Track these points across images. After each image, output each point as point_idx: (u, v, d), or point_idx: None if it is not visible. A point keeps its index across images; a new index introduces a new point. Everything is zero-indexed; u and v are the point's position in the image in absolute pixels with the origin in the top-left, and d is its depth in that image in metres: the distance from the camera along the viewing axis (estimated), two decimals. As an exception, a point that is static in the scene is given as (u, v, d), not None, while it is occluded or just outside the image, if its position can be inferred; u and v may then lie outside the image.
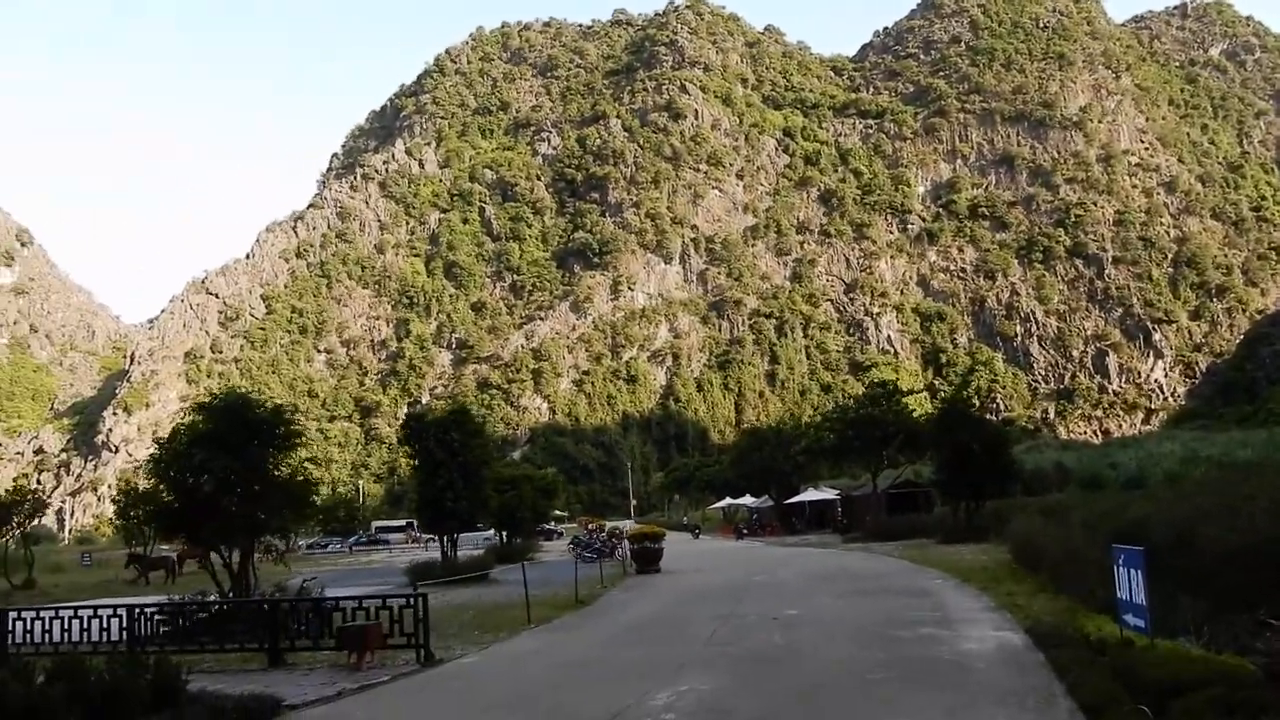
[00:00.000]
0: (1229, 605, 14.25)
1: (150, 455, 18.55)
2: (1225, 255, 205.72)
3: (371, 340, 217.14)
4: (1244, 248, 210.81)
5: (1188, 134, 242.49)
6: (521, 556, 42.88)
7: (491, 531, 50.14)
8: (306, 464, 19.95)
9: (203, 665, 14.26)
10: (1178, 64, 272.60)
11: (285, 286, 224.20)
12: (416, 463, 32.12)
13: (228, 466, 17.23)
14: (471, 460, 31.94)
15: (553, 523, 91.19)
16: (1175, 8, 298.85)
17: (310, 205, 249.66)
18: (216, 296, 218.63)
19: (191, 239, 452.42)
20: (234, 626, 14.55)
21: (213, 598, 17.39)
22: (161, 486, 18.04)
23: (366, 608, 14.25)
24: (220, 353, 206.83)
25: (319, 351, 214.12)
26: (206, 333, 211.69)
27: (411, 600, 14.01)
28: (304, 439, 19.25)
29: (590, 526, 69.08)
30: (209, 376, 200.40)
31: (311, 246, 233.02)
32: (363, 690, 12.26)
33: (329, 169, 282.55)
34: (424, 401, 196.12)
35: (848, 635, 14.70)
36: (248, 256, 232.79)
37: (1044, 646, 12.44)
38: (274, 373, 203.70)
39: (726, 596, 21.86)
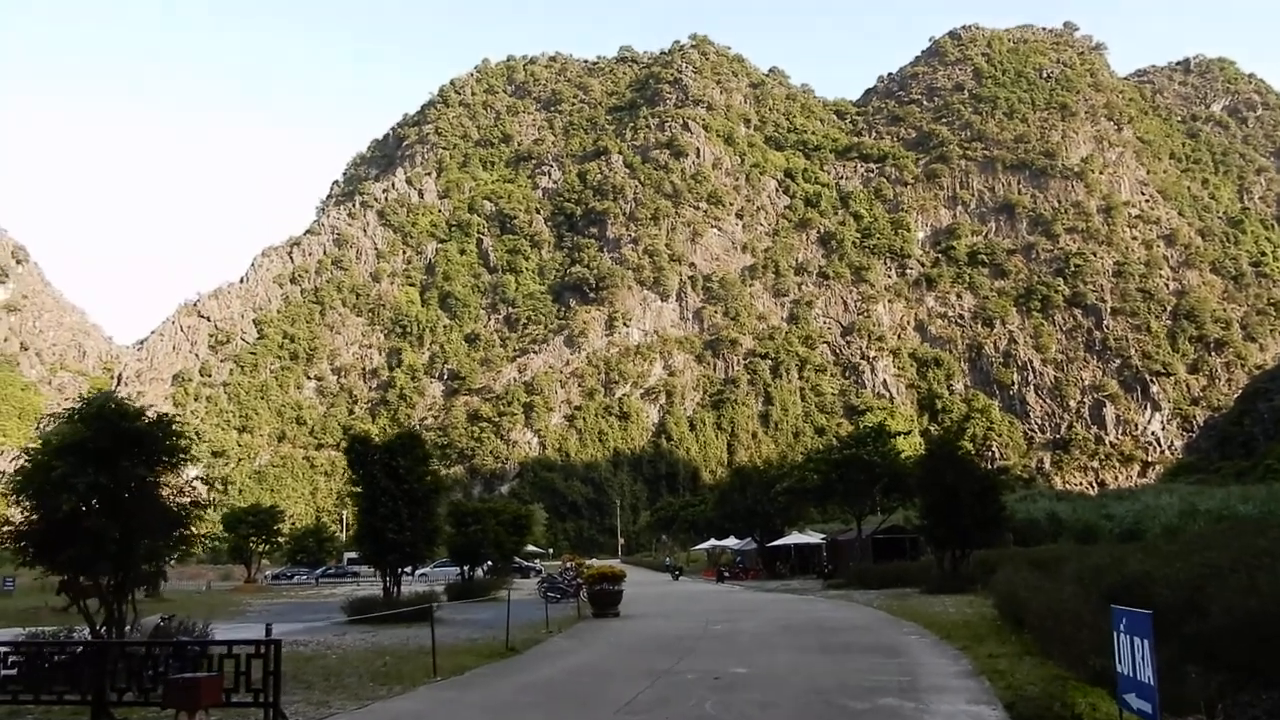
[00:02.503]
0: (1247, 680, 12.04)
1: (16, 469, 16.17)
2: (1224, 310, 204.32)
3: (363, 369, 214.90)
4: (1243, 303, 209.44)
5: (1188, 188, 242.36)
6: (482, 594, 40.59)
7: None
8: (196, 482, 17.53)
9: None
10: (1179, 119, 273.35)
11: (278, 312, 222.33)
12: (359, 490, 29.71)
13: (94, 482, 14.90)
14: (419, 489, 29.57)
15: (536, 560, 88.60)
16: (1178, 63, 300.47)
17: (307, 231, 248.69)
18: (208, 319, 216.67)
19: (187, 261, 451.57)
20: (56, 673, 12.14)
21: (73, 636, 15.01)
22: (22, 504, 15.68)
23: (211, 655, 11.80)
24: (209, 376, 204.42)
25: (309, 378, 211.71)
26: (196, 355, 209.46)
27: (261, 648, 11.57)
28: (192, 454, 16.82)
29: (569, 564, 66.52)
30: (196, 400, 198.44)
31: (307, 272, 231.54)
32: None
33: (329, 196, 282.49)
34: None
35: (791, 705, 12.38)
36: (242, 280, 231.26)
37: (1025, 730, 10.20)
38: (263, 398, 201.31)
39: (675, 648, 19.51)
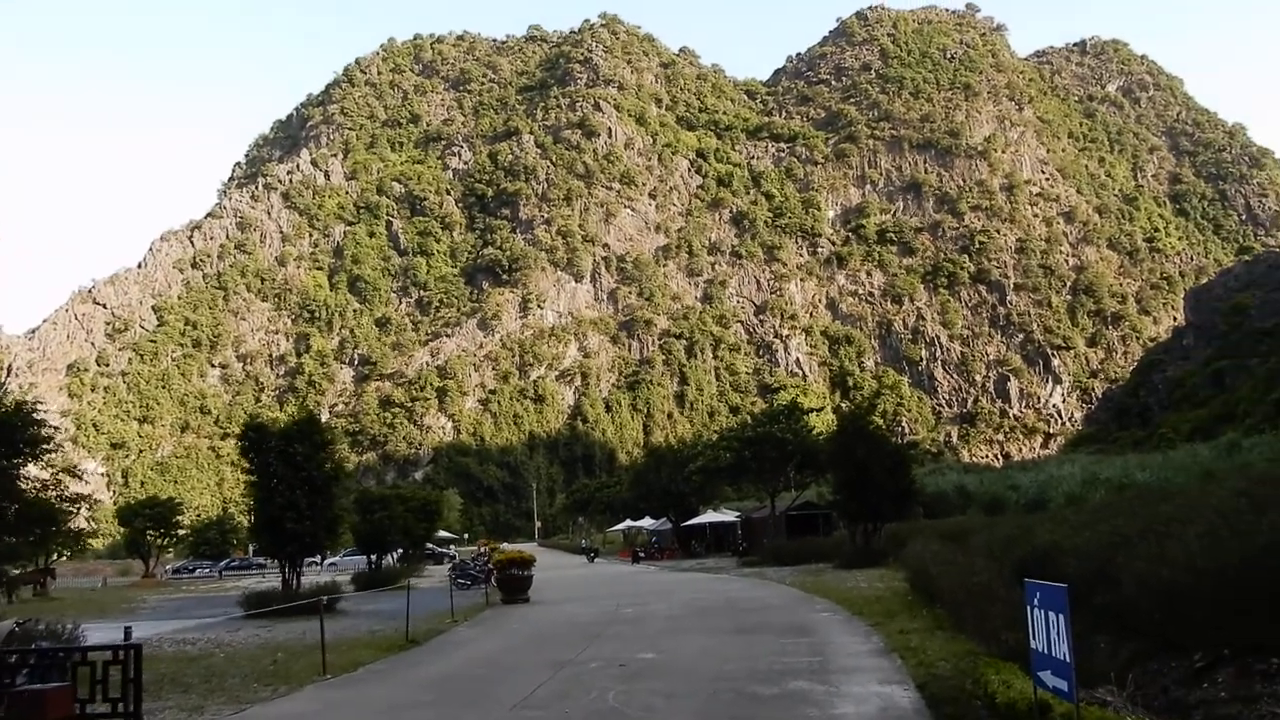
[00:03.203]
0: (1156, 649, 11.87)
1: None
2: (1120, 284, 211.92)
3: (269, 355, 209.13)
4: (1138, 277, 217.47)
5: (1086, 166, 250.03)
6: (391, 583, 39.34)
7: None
8: (62, 476, 16.18)
9: None
10: (1077, 99, 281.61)
11: (179, 298, 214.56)
12: (255, 479, 28.31)
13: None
14: (319, 476, 28.31)
15: (451, 546, 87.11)
16: (1075, 44, 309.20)
17: (209, 215, 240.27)
18: (104, 307, 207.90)
19: (81, 247, 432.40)
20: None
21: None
22: None
23: (61, 663, 10.64)
24: (106, 365, 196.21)
25: (213, 366, 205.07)
26: (92, 344, 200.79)
27: (120, 654, 10.47)
28: (54, 445, 15.47)
29: (484, 549, 65.44)
30: (93, 390, 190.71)
31: (209, 257, 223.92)
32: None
33: (230, 178, 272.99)
34: (324, 419, 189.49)
35: (698, 692, 11.82)
36: (140, 266, 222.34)
37: (939, 711, 9.77)
38: (164, 387, 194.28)
39: (583, 635, 18.85)
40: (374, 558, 44.27)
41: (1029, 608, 8.58)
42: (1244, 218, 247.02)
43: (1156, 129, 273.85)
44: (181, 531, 68.04)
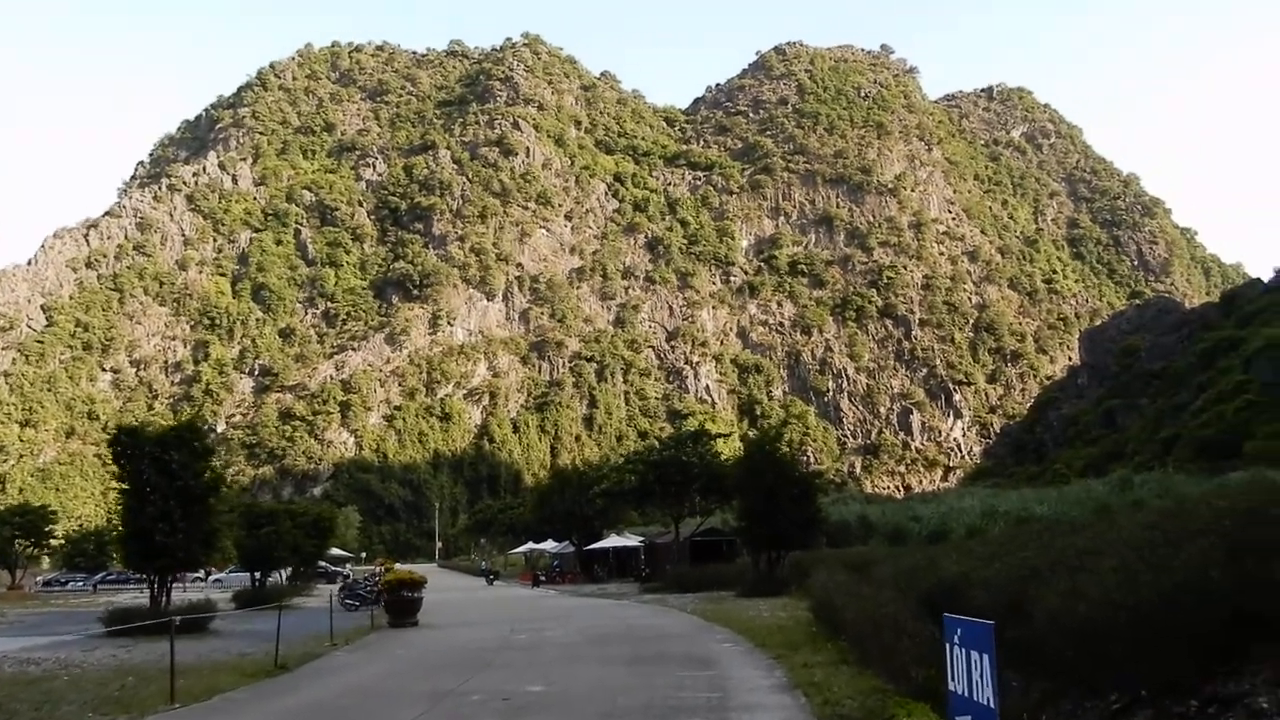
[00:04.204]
0: (1069, 687, 11.33)
1: None
2: (1020, 323, 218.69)
3: (165, 362, 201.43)
4: (1036, 317, 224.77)
5: (990, 208, 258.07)
6: (275, 601, 37.31)
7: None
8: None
9: None
10: (983, 142, 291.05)
11: (71, 298, 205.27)
12: (127, 487, 26.36)
13: None
14: (196, 486, 26.49)
15: (346, 565, 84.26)
16: (982, 90, 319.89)
17: (106, 213, 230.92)
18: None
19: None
20: None
21: None
22: None
23: None
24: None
25: (104, 370, 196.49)
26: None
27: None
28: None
29: (380, 569, 63.23)
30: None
31: (105, 257, 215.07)
32: None
33: (132, 177, 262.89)
34: (219, 430, 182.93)
35: (587, 731, 10.83)
36: (29, 263, 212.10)
37: (844, 756, 9.01)
38: (50, 390, 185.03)
39: (469, 662, 17.69)
40: (259, 575, 42.01)
41: (948, 645, 7.86)
42: (1136, 263, 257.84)
43: (1057, 175, 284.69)
44: (55, 541, 64.08)
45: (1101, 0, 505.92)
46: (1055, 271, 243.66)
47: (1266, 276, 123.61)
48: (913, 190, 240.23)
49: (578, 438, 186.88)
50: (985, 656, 7.07)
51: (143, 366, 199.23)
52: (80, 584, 67.05)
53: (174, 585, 48.13)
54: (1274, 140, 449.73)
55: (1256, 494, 12.70)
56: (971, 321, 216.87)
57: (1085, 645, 10.67)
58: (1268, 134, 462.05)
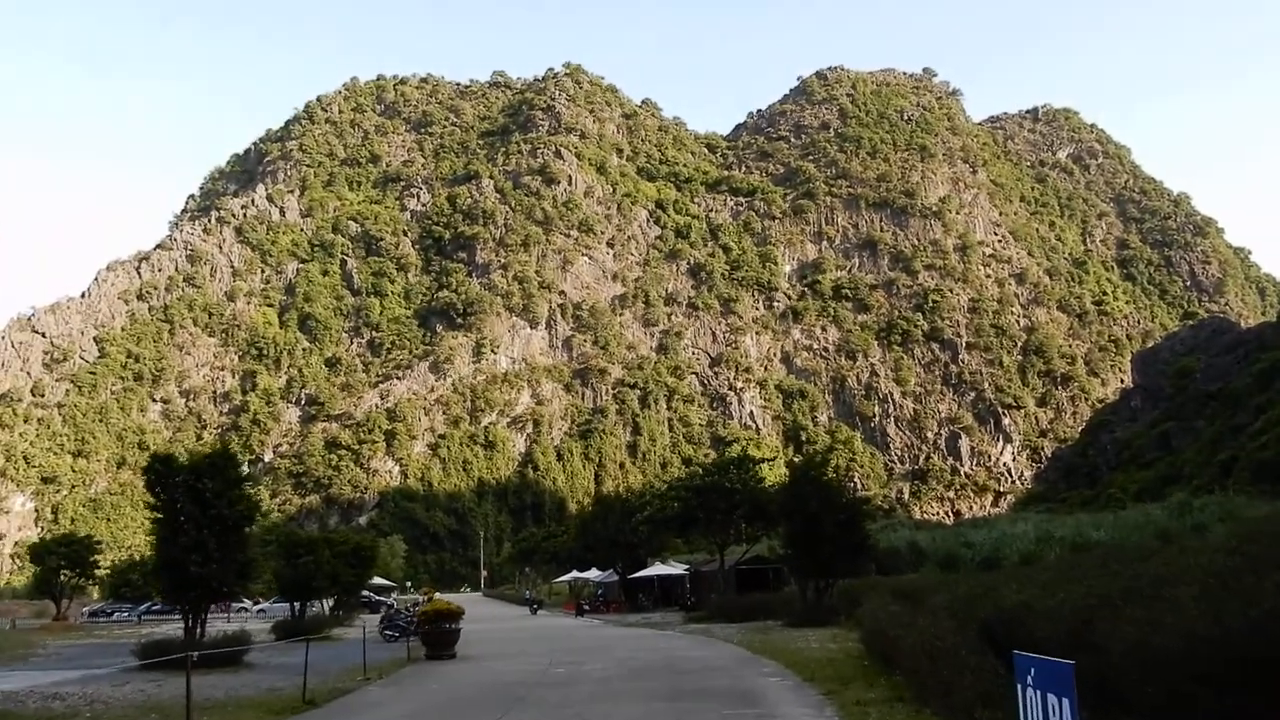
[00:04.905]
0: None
1: None
2: (1069, 346, 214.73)
3: (214, 392, 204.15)
4: (1086, 339, 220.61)
5: (1037, 230, 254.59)
6: (315, 633, 36.90)
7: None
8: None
9: None
10: (1029, 164, 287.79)
11: (122, 329, 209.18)
12: (160, 516, 26.06)
13: None
14: (230, 515, 26.13)
15: (392, 594, 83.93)
16: (1027, 111, 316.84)
17: (158, 246, 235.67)
18: (43, 335, 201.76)
19: (22, 273, 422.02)
20: None
21: None
22: None
23: None
24: (42, 396, 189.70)
25: (154, 401, 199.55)
26: (28, 374, 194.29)
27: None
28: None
29: (425, 598, 62.75)
30: (26, 421, 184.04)
31: (155, 289, 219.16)
32: None
33: (183, 210, 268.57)
34: (266, 459, 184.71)
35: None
36: (83, 295, 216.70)
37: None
38: (102, 421, 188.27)
39: (502, 698, 16.97)
40: (298, 605, 41.64)
41: (1020, 687, 7.00)
42: (1188, 284, 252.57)
43: (1105, 195, 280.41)
44: (101, 572, 64.39)
45: (1145, 17, 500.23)
46: (1105, 293, 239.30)
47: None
48: (957, 213, 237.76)
49: (621, 465, 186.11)
50: (1065, 701, 6.22)
51: (192, 397, 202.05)
52: (126, 614, 67.22)
53: (217, 615, 47.91)
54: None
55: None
56: (1020, 344, 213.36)
57: (1165, 679, 9.75)
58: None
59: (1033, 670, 6.80)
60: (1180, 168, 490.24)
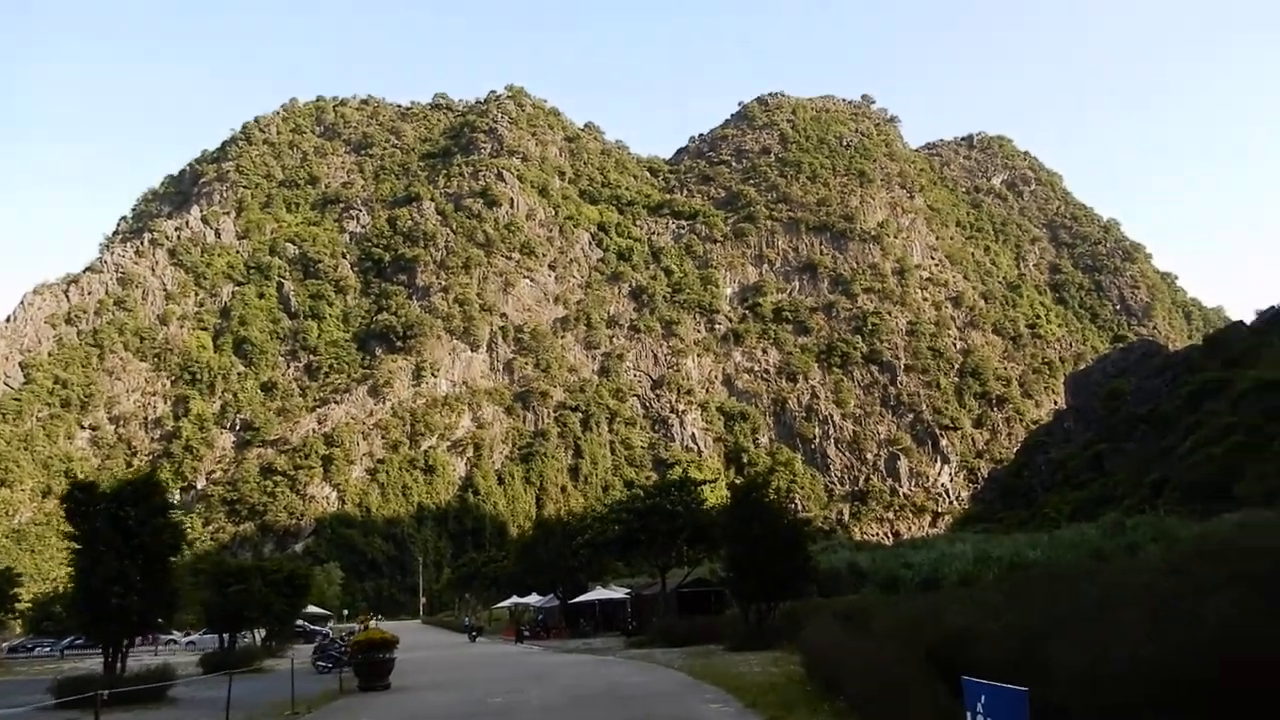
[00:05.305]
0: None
1: None
2: (1004, 368, 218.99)
3: (145, 418, 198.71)
4: (1020, 361, 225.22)
5: (972, 254, 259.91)
6: (245, 665, 35.65)
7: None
8: None
9: None
10: (964, 189, 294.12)
11: (49, 354, 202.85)
12: (80, 546, 24.94)
13: None
14: (154, 544, 25.10)
15: (328, 624, 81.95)
16: (963, 139, 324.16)
17: (88, 269, 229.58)
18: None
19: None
20: None
21: None
22: None
23: None
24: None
25: (83, 428, 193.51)
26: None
27: None
28: None
29: (362, 626, 61.23)
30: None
31: (85, 313, 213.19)
32: None
33: (115, 232, 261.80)
34: (199, 486, 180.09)
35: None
36: (8, 320, 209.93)
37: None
38: (26, 449, 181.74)
39: (437, 731, 16.35)
40: (228, 637, 40.31)
41: (970, 715, 6.74)
42: (1118, 307, 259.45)
43: (1038, 221, 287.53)
44: (22, 605, 61.88)
45: (1078, 51, 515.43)
46: (1039, 316, 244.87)
47: (1248, 319, 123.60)
48: (895, 237, 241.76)
49: (563, 488, 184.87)
50: (1017, 730, 5.96)
51: (122, 423, 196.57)
52: (48, 649, 64.66)
53: (143, 649, 46.22)
54: (1252, 184, 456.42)
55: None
56: (956, 367, 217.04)
57: (1114, 701, 9.59)
58: (1246, 178, 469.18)
59: (983, 697, 6.56)
60: (1110, 195, 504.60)
